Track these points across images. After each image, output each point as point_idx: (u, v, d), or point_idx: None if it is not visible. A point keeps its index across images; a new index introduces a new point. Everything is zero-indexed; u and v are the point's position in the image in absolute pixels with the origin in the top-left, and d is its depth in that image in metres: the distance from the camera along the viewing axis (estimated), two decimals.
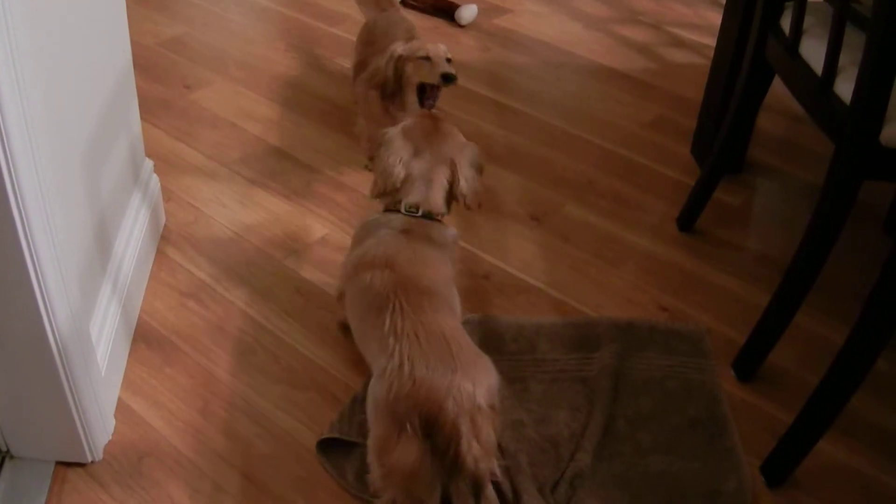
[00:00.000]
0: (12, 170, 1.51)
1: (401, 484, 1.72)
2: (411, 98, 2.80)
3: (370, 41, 3.02)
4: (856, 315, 1.85)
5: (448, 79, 2.72)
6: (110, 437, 2.04)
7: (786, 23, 2.26)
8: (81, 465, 1.98)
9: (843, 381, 1.89)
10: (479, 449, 1.69)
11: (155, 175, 2.65)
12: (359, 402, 2.11)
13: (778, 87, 2.39)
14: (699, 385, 2.22)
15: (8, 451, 1.95)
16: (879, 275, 1.79)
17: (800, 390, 2.15)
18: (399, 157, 2.11)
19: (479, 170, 2.17)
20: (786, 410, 2.16)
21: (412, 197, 2.10)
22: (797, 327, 2.27)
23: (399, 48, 2.78)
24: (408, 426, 1.67)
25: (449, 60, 2.76)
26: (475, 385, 1.71)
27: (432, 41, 2.82)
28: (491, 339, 2.33)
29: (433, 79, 2.73)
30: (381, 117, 2.91)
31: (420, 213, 2.08)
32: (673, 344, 2.34)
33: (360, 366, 2.23)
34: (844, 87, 1.94)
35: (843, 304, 2.46)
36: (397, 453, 1.69)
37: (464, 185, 2.10)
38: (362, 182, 2.96)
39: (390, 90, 2.81)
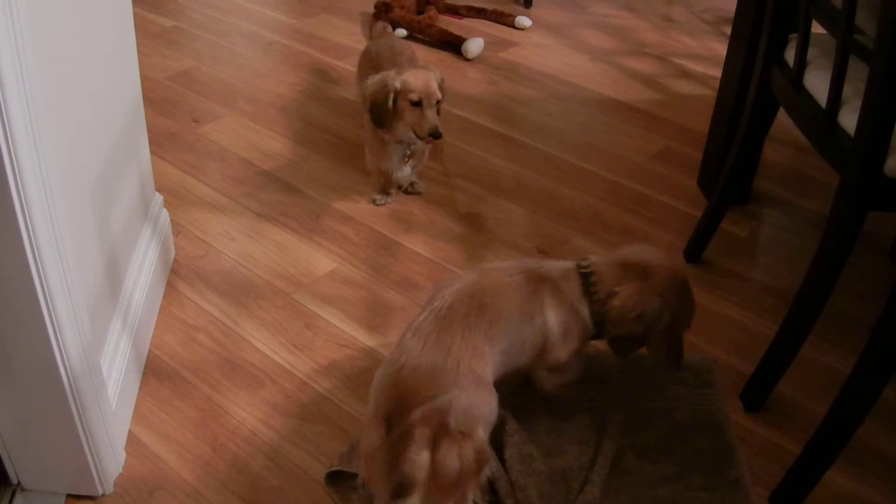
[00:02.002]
0: (25, 205, 1.53)
1: (363, 464, 1.82)
2: (402, 128, 2.84)
3: (376, 70, 3.03)
4: (863, 345, 1.85)
5: (435, 135, 2.78)
6: (121, 471, 2.04)
7: (790, 55, 2.27)
8: (92, 498, 1.99)
9: (851, 411, 1.89)
10: (424, 462, 1.71)
11: (164, 209, 2.67)
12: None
13: (784, 117, 2.40)
14: (707, 416, 2.22)
15: (19, 484, 1.96)
16: (885, 304, 1.80)
17: (808, 420, 2.15)
18: None
19: None
20: (794, 441, 2.16)
21: (592, 258, 2.10)
22: (804, 357, 2.27)
23: (397, 82, 2.80)
24: (379, 412, 1.76)
25: (439, 102, 2.81)
26: (452, 404, 1.74)
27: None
28: None
29: (421, 133, 2.80)
30: (375, 145, 2.94)
31: (586, 269, 2.06)
32: (680, 375, 2.34)
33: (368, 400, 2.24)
34: (848, 119, 1.95)
35: (850, 333, 2.47)
36: (364, 433, 1.80)
37: None
38: (370, 215, 2.98)
39: (386, 118, 2.84)
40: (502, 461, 2.05)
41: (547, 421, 2.20)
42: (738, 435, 2.19)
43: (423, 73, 2.82)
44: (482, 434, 1.81)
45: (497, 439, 2.09)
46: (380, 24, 3.42)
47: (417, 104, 2.78)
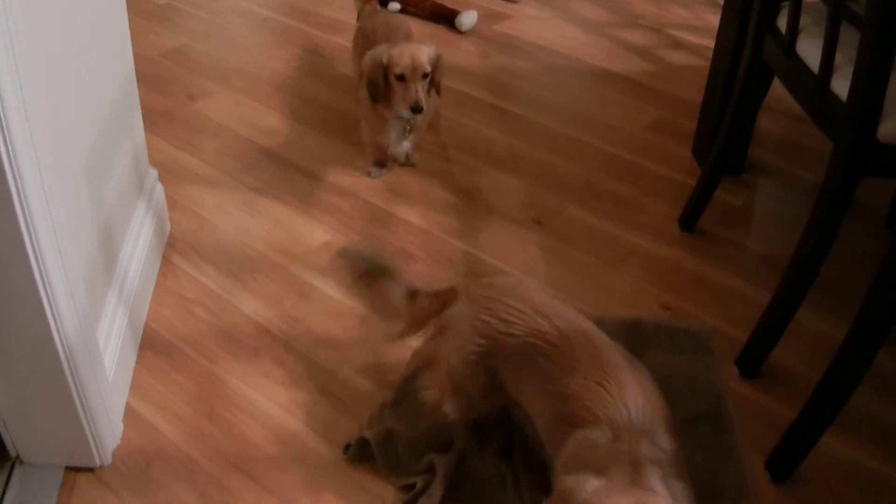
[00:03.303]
0: (18, 180, 1.53)
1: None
2: (397, 99, 2.84)
3: (371, 46, 3.03)
4: (856, 311, 1.86)
5: (415, 110, 2.80)
6: (118, 442, 2.05)
7: (782, 22, 2.27)
8: (90, 469, 2.00)
9: (845, 377, 1.90)
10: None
11: (159, 184, 2.67)
12: (387, 407, 2.15)
13: (778, 87, 2.40)
14: (704, 383, 2.23)
15: (17, 457, 1.96)
16: (878, 270, 1.81)
17: (803, 386, 2.15)
18: None
19: None
20: (789, 407, 2.17)
21: None
22: (799, 325, 2.28)
23: (384, 55, 2.81)
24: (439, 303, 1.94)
25: (426, 76, 2.81)
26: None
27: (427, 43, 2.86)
28: None
29: (404, 107, 2.81)
30: (374, 120, 2.94)
31: None
32: (679, 342, 2.35)
33: (364, 369, 2.26)
34: (841, 85, 1.95)
35: (844, 300, 2.47)
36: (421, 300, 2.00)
37: None
38: (365, 187, 2.98)
39: (379, 93, 2.85)
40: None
41: None
42: (734, 401, 2.20)
43: (410, 48, 2.83)
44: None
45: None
46: (368, 8, 3.42)
47: (401, 78, 2.79)
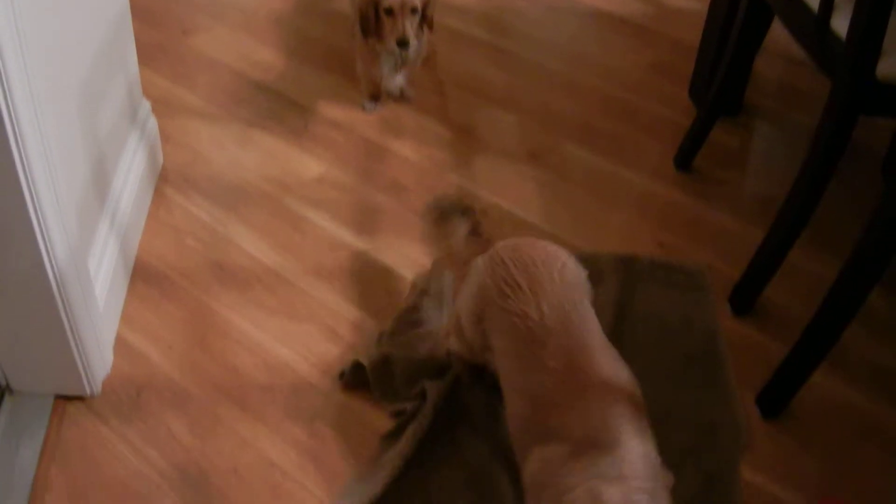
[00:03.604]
0: (10, 106, 1.52)
1: None
2: (386, 33, 2.83)
3: None
4: (850, 252, 1.86)
5: (401, 45, 2.79)
6: (109, 371, 2.06)
7: None
8: (80, 398, 2.00)
9: (837, 314, 1.91)
10: None
11: (153, 116, 2.65)
12: (385, 335, 2.16)
13: (777, 29, 2.39)
14: (698, 320, 2.24)
15: (7, 386, 1.96)
16: (872, 212, 1.80)
17: (795, 324, 2.15)
18: None
19: None
20: (781, 344, 2.17)
21: None
22: (792, 264, 2.28)
23: None
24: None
25: (415, 11, 2.80)
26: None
27: None
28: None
29: (391, 40, 2.80)
30: (367, 54, 2.93)
31: None
32: (674, 279, 2.35)
33: (357, 300, 2.26)
34: (841, 23, 1.94)
35: (838, 242, 2.46)
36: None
37: None
38: (359, 121, 2.97)
39: (370, 27, 2.84)
40: None
41: None
42: (726, 338, 2.20)
43: None
44: None
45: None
46: None
47: (390, 12, 2.77)
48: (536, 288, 1.73)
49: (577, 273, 1.82)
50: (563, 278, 1.77)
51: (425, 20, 2.87)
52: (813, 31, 2.04)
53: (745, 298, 2.29)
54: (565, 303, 1.72)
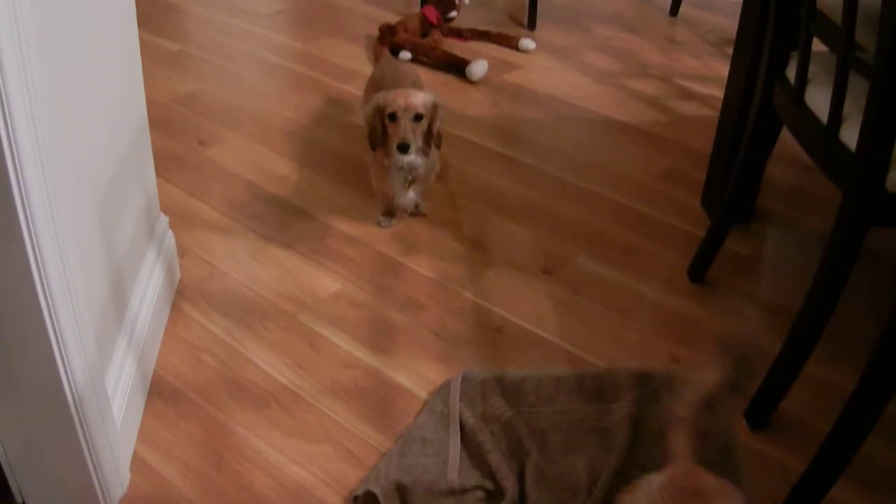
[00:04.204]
0: (31, 224, 1.53)
1: None
2: (391, 142, 2.85)
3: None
4: (866, 361, 1.85)
5: (402, 149, 2.80)
6: (126, 491, 2.04)
7: (791, 72, 2.28)
8: None
9: (855, 427, 1.89)
10: None
11: (170, 231, 2.68)
12: (392, 458, 2.14)
13: (787, 136, 2.41)
14: (714, 434, 2.22)
15: (24, 502, 1.96)
16: (888, 320, 1.80)
17: (812, 437, 2.15)
18: None
19: None
20: (799, 458, 2.16)
21: None
22: (808, 375, 2.27)
23: (380, 100, 2.83)
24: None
25: (419, 117, 2.82)
26: None
27: (439, 93, 2.87)
28: (511, 391, 2.33)
29: (393, 146, 2.83)
30: (378, 169, 2.96)
31: None
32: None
33: (372, 420, 2.26)
34: (850, 135, 1.95)
35: (853, 350, 2.46)
36: None
37: None
38: (374, 236, 2.99)
39: (377, 140, 2.87)
40: (520, 478, 2.08)
41: (558, 439, 2.21)
42: (743, 453, 2.19)
43: (404, 91, 2.85)
44: None
45: (516, 457, 2.13)
46: (383, 59, 3.46)
47: (394, 117, 2.80)
48: None
49: None
50: None
51: (431, 136, 2.90)
52: (822, 141, 2.05)
53: (761, 413, 2.28)
54: None
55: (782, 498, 2.03)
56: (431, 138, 2.90)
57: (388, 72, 3.25)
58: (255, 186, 3.25)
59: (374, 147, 2.89)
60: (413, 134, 2.81)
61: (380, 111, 2.83)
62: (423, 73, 3.64)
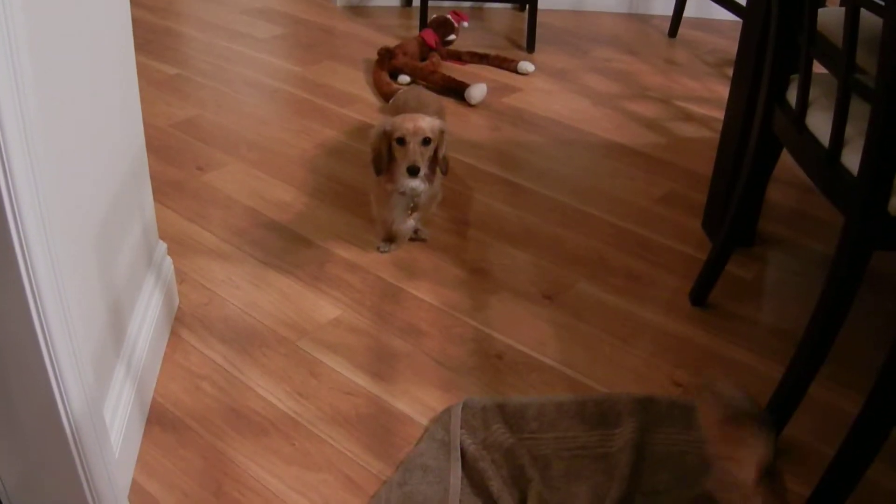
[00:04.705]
0: (26, 252, 1.52)
1: None
2: (401, 172, 2.84)
3: None
4: (871, 385, 1.84)
5: (411, 172, 2.79)
6: None
7: (792, 95, 2.27)
8: None
9: (860, 452, 1.88)
10: None
11: (168, 257, 2.67)
12: (393, 486, 2.12)
13: (787, 158, 2.40)
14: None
15: None
16: (892, 344, 1.79)
17: (817, 462, 2.13)
18: None
19: None
20: (803, 483, 2.14)
21: None
22: (812, 399, 2.26)
23: (388, 124, 2.82)
24: None
25: (427, 141, 2.81)
26: None
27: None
28: (512, 417, 2.32)
29: (402, 169, 2.81)
30: (380, 194, 2.94)
31: None
32: (692, 419, 2.33)
33: (373, 448, 2.23)
34: (851, 159, 1.94)
35: (858, 374, 2.46)
36: None
37: None
38: (374, 262, 2.97)
39: (382, 164, 2.86)
40: None
41: (561, 465, 2.19)
42: None
43: (413, 115, 2.84)
44: None
45: (518, 484, 2.10)
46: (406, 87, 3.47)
47: (402, 141, 2.79)
48: None
49: None
50: None
51: (437, 162, 2.89)
52: (823, 165, 2.05)
53: None
54: None
55: None
56: (437, 164, 2.89)
57: (411, 98, 3.24)
58: (254, 212, 3.24)
59: (378, 172, 2.87)
60: (421, 158, 2.80)
61: (387, 136, 2.82)
62: None
